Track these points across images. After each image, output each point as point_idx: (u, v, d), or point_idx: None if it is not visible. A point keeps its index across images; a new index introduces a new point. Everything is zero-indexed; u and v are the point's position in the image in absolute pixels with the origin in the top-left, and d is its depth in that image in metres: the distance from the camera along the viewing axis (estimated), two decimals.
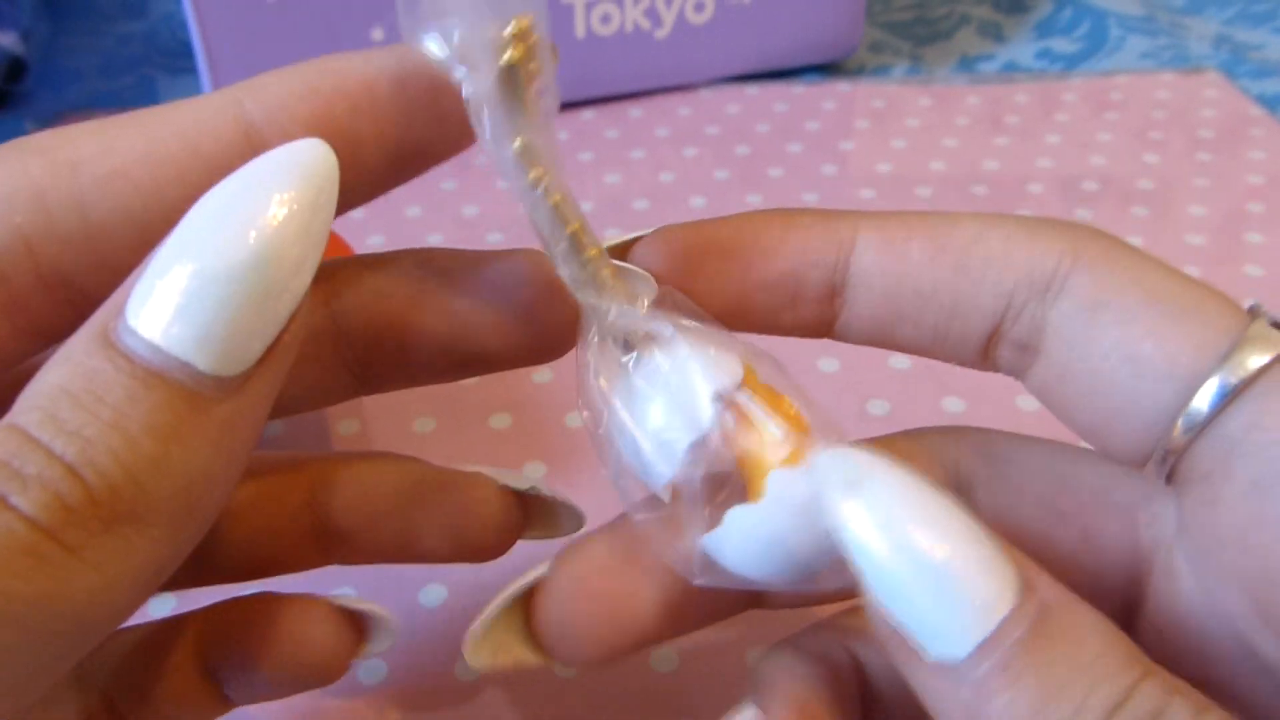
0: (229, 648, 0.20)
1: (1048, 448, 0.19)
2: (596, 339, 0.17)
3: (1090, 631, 0.14)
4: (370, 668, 0.27)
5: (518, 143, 0.17)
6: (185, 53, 0.55)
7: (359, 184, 0.18)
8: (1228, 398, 0.15)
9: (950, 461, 0.19)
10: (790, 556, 0.16)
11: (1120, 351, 0.16)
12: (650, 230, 0.18)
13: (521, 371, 0.34)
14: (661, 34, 0.50)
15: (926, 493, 0.14)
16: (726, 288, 0.18)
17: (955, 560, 0.14)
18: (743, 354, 0.17)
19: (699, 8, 0.50)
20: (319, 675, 0.20)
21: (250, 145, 0.17)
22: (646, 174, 0.47)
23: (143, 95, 0.54)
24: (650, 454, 0.16)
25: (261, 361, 0.14)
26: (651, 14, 0.50)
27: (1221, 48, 0.55)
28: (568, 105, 0.51)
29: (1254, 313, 0.16)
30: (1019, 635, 0.13)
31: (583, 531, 0.21)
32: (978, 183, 0.45)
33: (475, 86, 0.16)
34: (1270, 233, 0.42)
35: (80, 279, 0.16)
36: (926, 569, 0.14)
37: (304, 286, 0.15)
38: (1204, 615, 0.16)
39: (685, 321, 0.17)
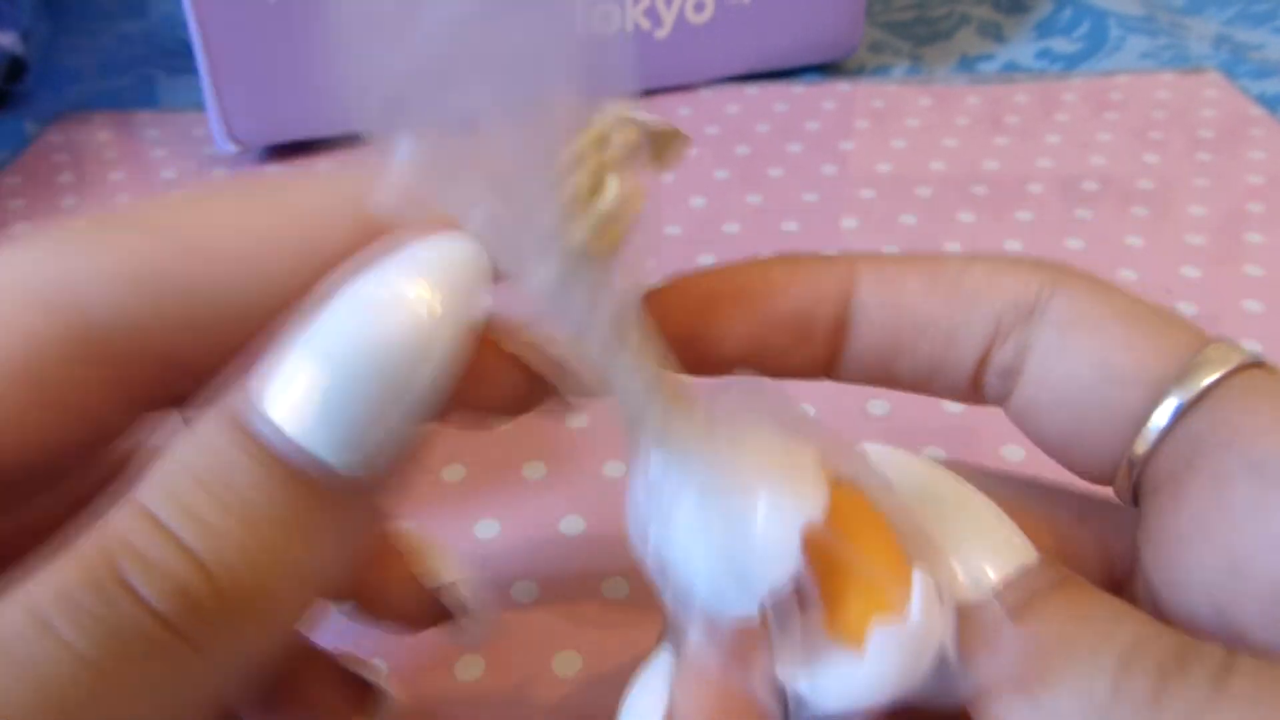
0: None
1: (1018, 485, 0.20)
2: (651, 456, 0.16)
3: (1109, 599, 0.15)
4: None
5: (604, 322, 0.15)
6: (185, 52, 0.55)
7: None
8: (1190, 404, 0.16)
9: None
10: (892, 702, 0.15)
11: (1092, 360, 0.17)
12: (660, 281, 0.19)
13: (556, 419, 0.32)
14: (661, 34, 0.50)
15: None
16: (741, 329, 0.18)
17: None
18: (822, 455, 0.16)
19: (699, 8, 0.50)
20: None
21: (368, 237, 0.16)
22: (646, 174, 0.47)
23: (142, 95, 0.54)
24: (722, 588, 0.15)
25: (392, 465, 0.14)
26: (651, 14, 0.50)
27: (1221, 48, 0.55)
28: None
29: (1218, 337, 0.17)
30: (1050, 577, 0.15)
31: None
32: (978, 183, 0.45)
33: (537, 280, 0.15)
34: (1270, 233, 0.42)
35: (184, 354, 0.16)
36: None
37: (445, 387, 0.14)
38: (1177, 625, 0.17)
39: (752, 427, 0.16)
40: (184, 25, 0.45)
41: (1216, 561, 0.15)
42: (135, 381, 0.16)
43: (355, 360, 0.13)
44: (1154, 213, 0.43)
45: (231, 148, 0.47)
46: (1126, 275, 0.40)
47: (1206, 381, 0.16)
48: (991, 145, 0.48)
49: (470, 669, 0.26)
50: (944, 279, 0.18)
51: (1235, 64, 0.54)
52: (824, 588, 0.15)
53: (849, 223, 0.43)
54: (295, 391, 0.13)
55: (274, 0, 0.44)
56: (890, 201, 0.44)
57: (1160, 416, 0.16)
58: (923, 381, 0.19)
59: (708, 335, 0.18)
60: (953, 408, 0.33)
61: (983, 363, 0.18)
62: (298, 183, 0.17)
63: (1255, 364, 0.16)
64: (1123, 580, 0.18)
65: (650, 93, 0.52)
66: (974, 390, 0.19)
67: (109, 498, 0.13)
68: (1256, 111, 0.50)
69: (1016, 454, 0.30)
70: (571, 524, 0.29)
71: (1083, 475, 0.18)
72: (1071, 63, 0.55)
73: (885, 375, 0.19)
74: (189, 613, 0.12)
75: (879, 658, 0.15)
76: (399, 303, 0.14)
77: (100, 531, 0.13)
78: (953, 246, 0.42)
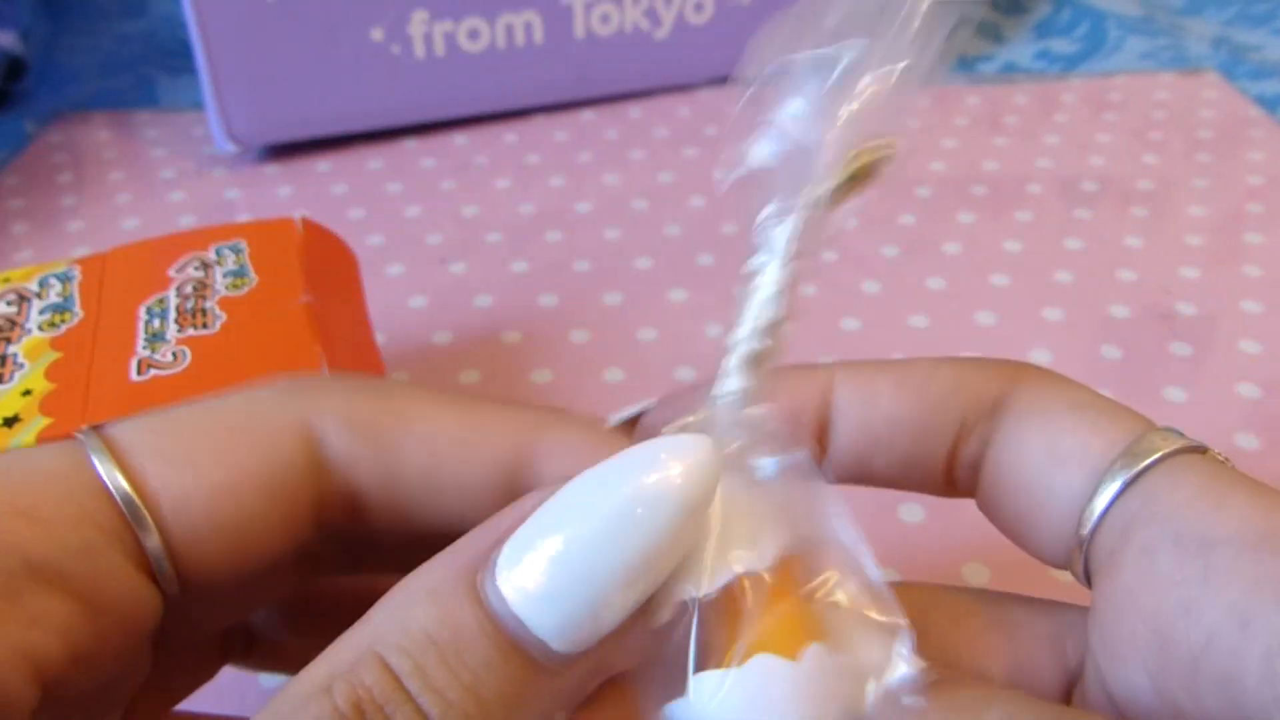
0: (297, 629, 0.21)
1: (974, 594, 0.20)
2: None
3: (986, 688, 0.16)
4: None
5: (802, 217, 0.18)
6: (185, 52, 0.55)
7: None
8: (1128, 484, 0.17)
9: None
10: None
11: (1042, 447, 0.18)
12: (652, 402, 0.19)
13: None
14: (661, 34, 0.50)
15: None
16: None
17: None
18: (801, 543, 0.16)
19: (698, 8, 0.50)
20: None
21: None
22: (646, 174, 0.47)
23: (142, 95, 0.54)
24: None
25: (598, 645, 0.15)
26: (651, 14, 0.50)
27: (1220, 48, 0.55)
28: (568, 105, 0.51)
29: (1164, 427, 0.18)
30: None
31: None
32: (977, 183, 0.45)
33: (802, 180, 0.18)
34: (1269, 233, 0.42)
35: (368, 522, 0.18)
36: None
37: (666, 573, 0.15)
38: (1124, 706, 0.17)
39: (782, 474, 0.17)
40: (184, 25, 0.45)
41: (1145, 632, 0.16)
42: (322, 528, 0.18)
43: (585, 548, 0.14)
44: (1153, 213, 0.43)
45: (231, 147, 0.47)
46: (1126, 275, 0.40)
47: (1145, 463, 0.17)
48: (991, 145, 0.48)
49: None
50: (912, 381, 0.19)
51: (1234, 65, 0.54)
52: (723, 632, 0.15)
53: (848, 223, 0.43)
54: (529, 565, 0.14)
55: (274, 0, 0.44)
56: (890, 202, 0.44)
57: (1102, 498, 0.17)
58: (899, 477, 0.20)
59: None
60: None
61: (952, 457, 0.19)
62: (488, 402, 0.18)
63: (1196, 449, 0.17)
64: (1076, 673, 0.19)
65: (650, 93, 0.52)
66: (948, 484, 0.20)
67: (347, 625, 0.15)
68: (1255, 112, 0.50)
69: None
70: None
71: (1042, 559, 0.19)
72: (1071, 63, 0.55)
73: (865, 473, 0.20)
74: None
75: (748, 684, 0.15)
76: (643, 491, 0.14)
77: (349, 682, 0.14)
78: (952, 247, 0.42)
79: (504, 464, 0.17)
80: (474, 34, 0.47)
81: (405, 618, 0.14)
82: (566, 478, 0.15)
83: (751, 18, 0.51)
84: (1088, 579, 0.18)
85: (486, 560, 0.15)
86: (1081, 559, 0.18)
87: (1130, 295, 0.39)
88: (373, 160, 0.48)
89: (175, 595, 0.17)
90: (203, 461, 0.16)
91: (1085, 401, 0.19)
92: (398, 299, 0.40)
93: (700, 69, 0.52)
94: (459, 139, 0.49)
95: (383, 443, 0.17)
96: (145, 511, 0.16)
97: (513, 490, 0.17)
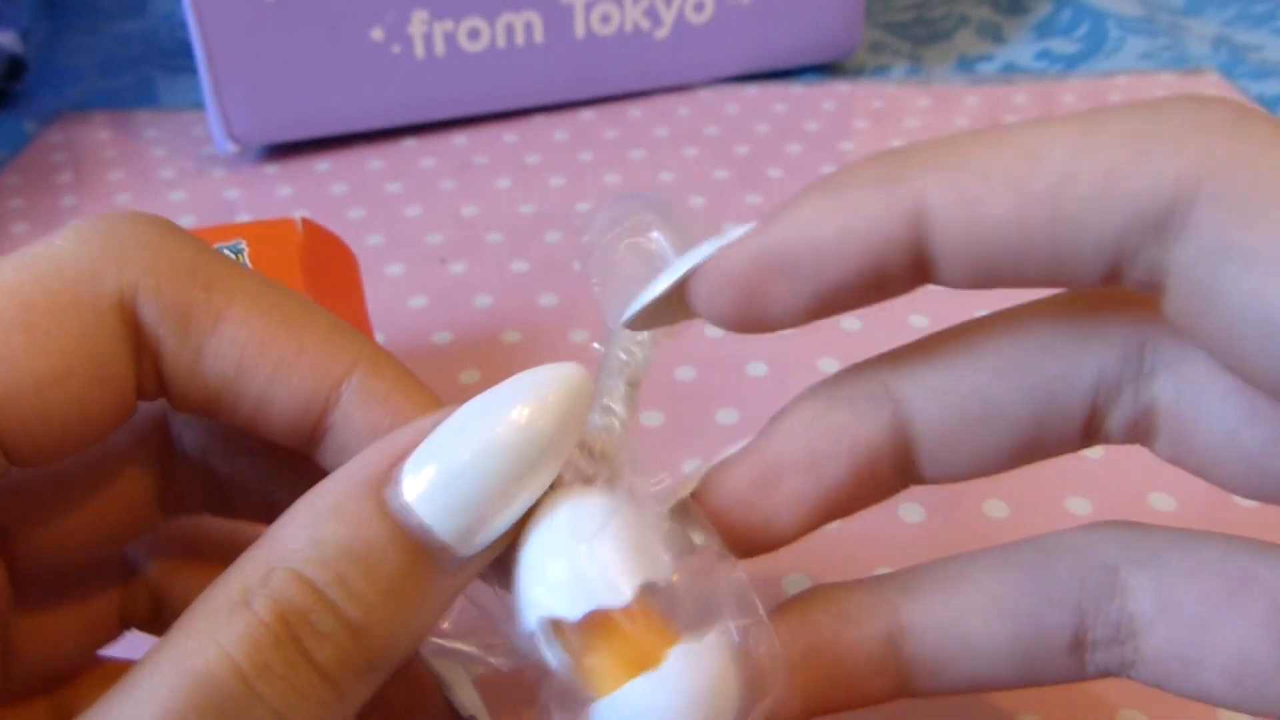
0: None
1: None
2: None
3: None
4: None
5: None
6: (185, 52, 0.55)
7: None
8: None
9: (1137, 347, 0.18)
10: None
11: (1253, 311, 0.13)
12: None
13: None
14: (661, 34, 0.50)
15: None
16: (801, 305, 0.17)
17: None
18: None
19: (699, 8, 0.50)
20: None
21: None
22: (646, 174, 0.47)
23: (142, 95, 0.54)
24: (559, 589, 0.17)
25: (491, 547, 0.16)
26: (651, 14, 0.50)
27: (1221, 49, 0.55)
28: (568, 105, 0.51)
29: None
30: None
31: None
32: None
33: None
34: None
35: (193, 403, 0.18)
36: None
37: (552, 476, 0.17)
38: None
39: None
40: (184, 25, 0.45)
41: None
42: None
43: (482, 460, 0.16)
44: None
45: (231, 147, 0.47)
46: None
47: None
48: None
49: None
50: (1038, 195, 0.15)
51: (1234, 65, 0.54)
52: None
53: None
54: (429, 480, 0.16)
55: (274, 0, 0.44)
56: None
57: None
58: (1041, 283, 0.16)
59: (770, 318, 0.17)
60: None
61: (1111, 280, 0.15)
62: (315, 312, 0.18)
63: None
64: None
65: (650, 93, 0.52)
66: (1112, 278, 0.15)
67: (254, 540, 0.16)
68: None
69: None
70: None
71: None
72: (1071, 63, 0.55)
73: (995, 286, 0.16)
74: (346, 674, 0.15)
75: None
76: (515, 416, 0.16)
77: (269, 596, 0.15)
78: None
79: (308, 395, 0.17)
80: (474, 34, 0.47)
81: (315, 533, 0.15)
82: (366, 421, 0.17)
83: (751, 18, 0.51)
84: None
85: (390, 475, 0.16)
86: None
87: None
88: (373, 160, 0.48)
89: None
90: (18, 357, 0.15)
91: None
92: (398, 299, 0.40)
93: (700, 69, 0.52)
94: (459, 139, 0.49)
95: (189, 334, 0.17)
96: None
97: (307, 415, 0.17)
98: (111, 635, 0.21)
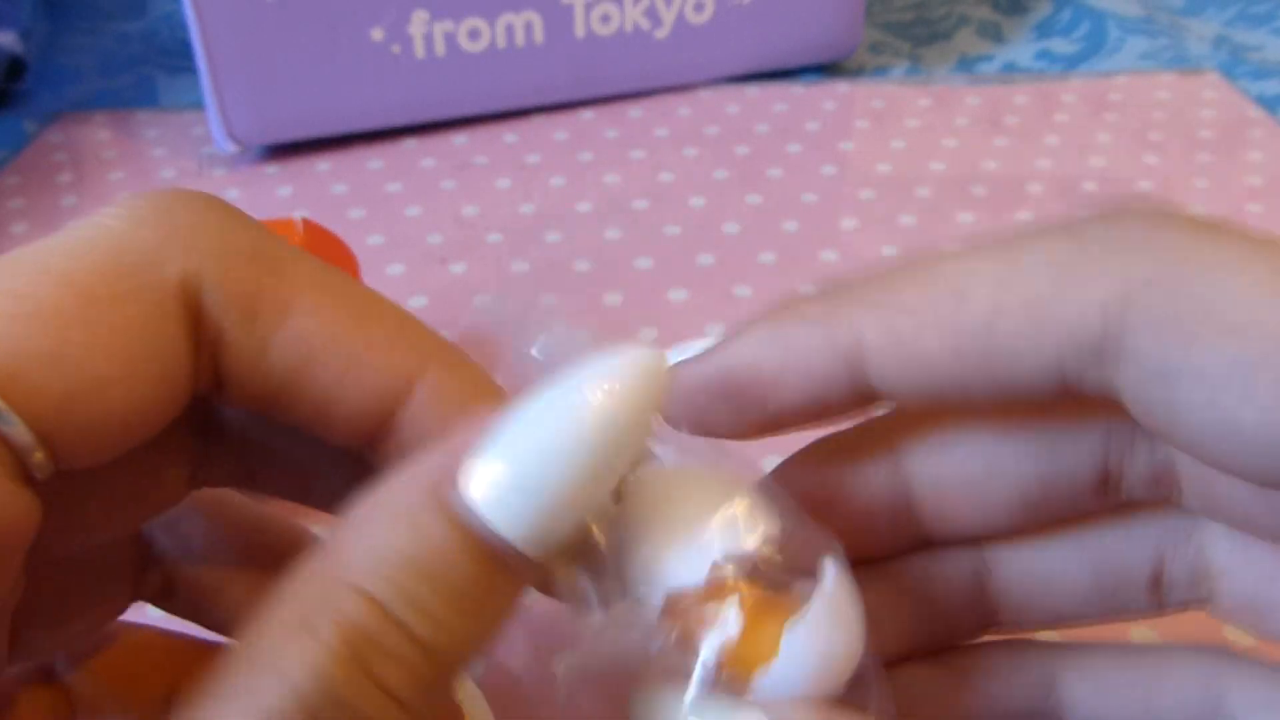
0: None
1: None
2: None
3: None
4: None
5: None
6: (185, 52, 0.55)
7: None
8: None
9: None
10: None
11: (1214, 426, 0.14)
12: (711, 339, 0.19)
13: None
14: (661, 34, 0.50)
15: None
16: (749, 427, 0.17)
17: None
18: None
19: (699, 8, 0.50)
20: None
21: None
22: (646, 174, 0.47)
23: (142, 95, 0.54)
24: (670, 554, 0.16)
25: (562, 543, 0.15)
26: (651, 14, 0.50)
27: (1221, 48, 0.55)
28: (568, 105, 0.51)
29: None
30: None
31: None
32: (977, 183, 0.45)
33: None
34: (1269, 233, 0.42)
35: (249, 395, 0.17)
36: None
37: (622, 472, 0.15)
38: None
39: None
40: (184, 25, 0.45)
41: None
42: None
43: (552, 456, 0.14)
44: None
45: (231, 147, 0.47)
46: None
47: None
48: (991, 146, 0.48)
49: None
50: (969, 330, 0.15)
51: (1234, 65, 0.54)
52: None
53: (849, 223, 0.43)
54: (495, 482, 0.14)
55: (274, 0, 0.44)
56: (890, 202, 0.44)
57: None
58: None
59: (716, 433, 0.18)
60: None
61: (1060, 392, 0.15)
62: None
63: None
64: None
65: (650, 93, 0.52)
66: (1067, 394, 0.15)
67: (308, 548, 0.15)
68: (1255, 113, 0.50)
69: None
70: None
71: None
72: (1071, 63, 0.55)
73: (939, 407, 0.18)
74: (417, 690, 0.14)
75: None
76: (588, 404, 0.15)
77: (332, 619, 0.14)
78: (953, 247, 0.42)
79: (378, 392, 0.16)
80: (474, 34, 0.47)
81: (378, 544, 0.14)
82: (438, 423, 0.16)
83: (751, 18, 0.51)
84: None
85: (451, 476, 0.14)
86: None
87: None
88: (373, 160, 0.48)
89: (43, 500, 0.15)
90: (78, 357, 0.14)
91: (1240, 338, 0.13)
92: (398, 299, 0.39)
93: (700, 69, 0.52)
94: (459, 139, 0.49)
95: (255, 325, 0.16)
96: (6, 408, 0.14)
97: (375, 413, 0.16)
98: (122, 607, 0.20)
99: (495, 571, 0.14)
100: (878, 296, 0.16)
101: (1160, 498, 0.17)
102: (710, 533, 0.16)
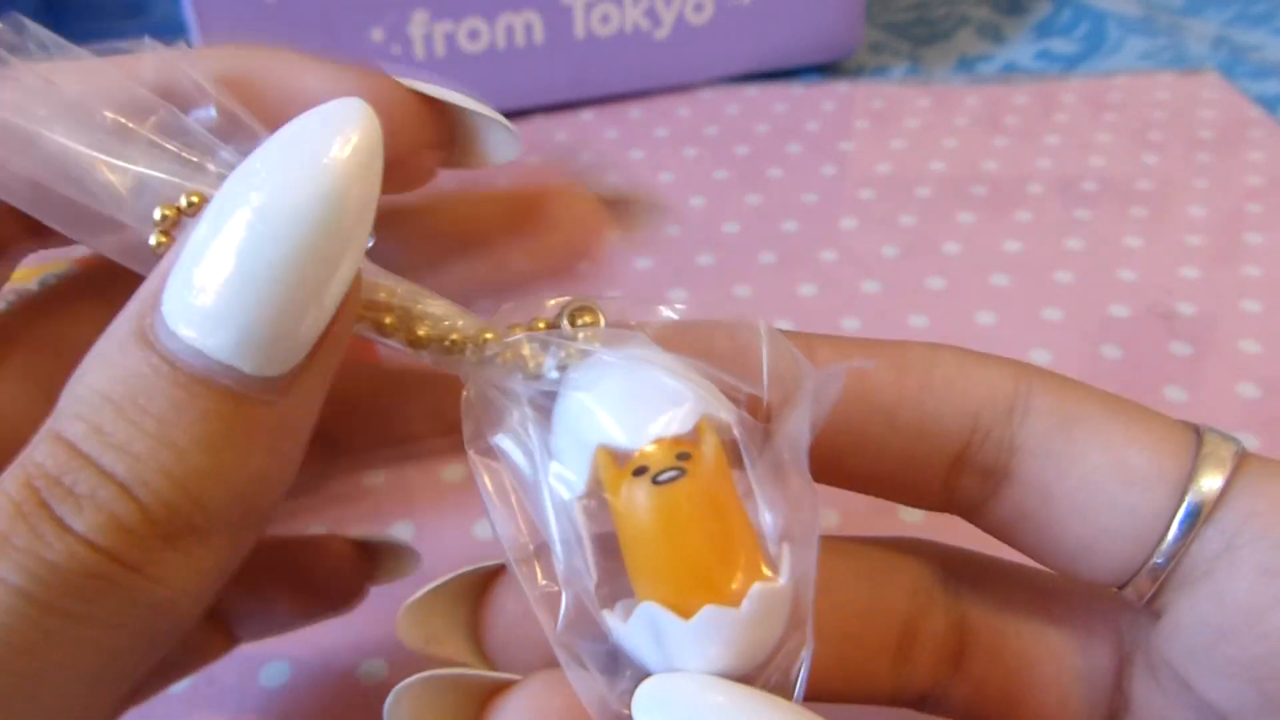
0: (242, 588, 0.20)
1: (1025, 568, 0.19)
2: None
3: None
4: (370, 668, 0.27)
5: None
6: None
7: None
8: (1213, 501, 0.16)
9: (938, 559, 0.19)
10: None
11: (1108, 463, 0.16)
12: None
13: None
14: (661, 34, 0.50)
15: None
16: None
17: None
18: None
19: (698, 8, 0.50)
20: (332, 604, 0.22)
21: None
22: (646, 174, 0.47)
23: None
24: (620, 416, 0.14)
25: (310, 357, 0.13)
26: (651, 14, 0.50)
27: (1220, 48, 0.55)
28: (568, 105, 0.51)
29: (1197, 427, 0.17)
30: None
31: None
32: (977, 183, 0.45)
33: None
34: (1269, 233, 0.42)
35: None
36: None
37: (350, 280, 0.14)
38: (1187, 712, 0.17)
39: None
40: (184, 25, 0.45)
41: (1265, 658, 0.15)
42: None
43: (252, 255, 0.12)
44: (1153, 213, 0.43)
45: None
46: (1126, 275, 0.40)
47: (1221, 478, 0.16)
48: (991, 146, 0.48)
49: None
50: (913, 368, 0.17)
51: (1234, 65, 0.54)
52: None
53: (848, 223, 0.43)
54: (194, 299, 0.13)
55: (274, 0, 0.44)
56: (889, 202, 0.44)
57: (1180, 516, 0.16)
58: (885, 481, 0.17)
59: None
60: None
61: (958, 462, 0.17)
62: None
63: (1244, 452, 0.16)
64: (1129, 656, 0.18)
65: (650, 93, 0.52)
66: (942, 494, 0.17)
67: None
68: (1255, 112, 0.50)
69: None
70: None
71: (1089, 578, 0.17)
72: (1071, 63, 0.55)
73: (838, 472, 0.17)
74: (129, 543, 0.12)
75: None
76: (290, 186, 0.13)
77: (22, 465, 0.13)
78: (952, 247, 0.42)
79: None
80: (474, 34, 0.47)
81: (78, 387, 0.13)
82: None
83: (751, 18, 0.51)
84: (1149, 599, 0.17)
85: (154, 303, 0.13)
86: (1157, 581, 0.16)
87: (1130, 295, 0.39)
88: None
89: None
90: None
91: (1118, 404, 0.17)
92: None
93: (700, 69, 0.52)
94: None
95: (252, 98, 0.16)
96: None
97: None
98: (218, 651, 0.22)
99: (218, 399, 0.13)
100: (829, 336, 0.18)
101: (968, 503, 0.17)
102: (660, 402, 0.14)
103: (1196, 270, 0.40)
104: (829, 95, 0.52)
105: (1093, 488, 0.16)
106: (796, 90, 0.53)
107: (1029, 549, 0.17)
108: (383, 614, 0.21)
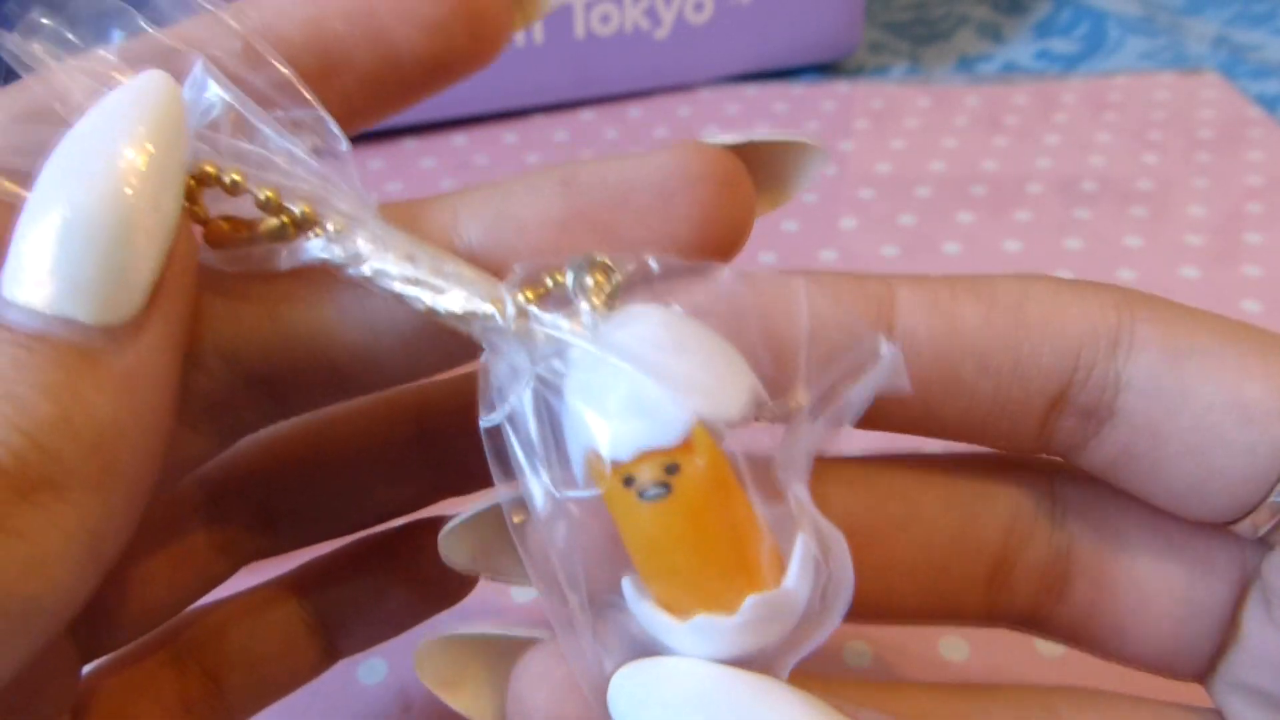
0: (344, 592, 0.21)
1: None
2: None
3: None
4: (370, 668, 0.27)
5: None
6: None
7: (368, 93, 0.18)
8: None
9: (1045, 484, 0.18)
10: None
11: (1223, 400, 0.15)
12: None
13: None
14: (661, 34, 0.50)
15: None
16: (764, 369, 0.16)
17: None
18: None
19: (698, 8, 0.50)
20: (446, 592, 0.21)
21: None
22: None
23: None
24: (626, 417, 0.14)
25: (152, 304, 0.14)
26: (651, 14, 0.50)
27: (1220, 48, 0.55)
28: (568, 105, 0.51)
29: None
30: None
31: None
32: (977, 183, 0.45)
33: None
34: (1269, 233, 0.42)
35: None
36: None
37: (171, 221, 0.14)
38: None
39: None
40: None
41: None
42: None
43: (67, 212, 0.13)
44: (1153, 213, 0.43)
45: None
46: (1125, 275, 0.40)
47: None
48: (990, 146, 0.48)
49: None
50: (1004, 305, 0.16)
51: (1234, 65, 0.54)
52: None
53: (848, 223, 0.43)
54: (24, 266, 0.13)
55: None
56: (889, 202, 0.44)
57: None
58: (975, 428, 0.16)
59: None
60: None
61: (1057, 404, 0.16)
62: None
63: None
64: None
65: (650, 93, 0.52)
66: (1039, 437, 0.16)
67: None
68: (1255, 112, 0.50)
69: None
70: None
71: (1191, 516, 0.16)
72: (1070, 63, 0.55)
73: (934, 421, 0.16)
74: None
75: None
76: (101, 148, 0.14)
77: None
78: (952, 247, 0.42)
79: None
80: None
81: None
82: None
83: (751, 18, 0.51)
84: (1265, 532, 0.16)
85: None
86: (1274, 514, 0.15)
87: None
88: (373, 160, 0.48)
89: None
90: None
91: (1232, 331, 0.15)
92: None
93: (700, 69, 0.52)
94: (459, 139, 0.49)
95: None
96: None
97: None
98: (220, 576, 0.20)
99: (61, 351, 0.13)
100: (911, 276, 0.16)
101: (1069, 444, 0.16)
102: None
103: (1196, 270, 0.40)
104: (829, 95, 0.52)
105: (1207, 427, 0.15)
106: (796, 90, 0.53)
107: (1133, 488, 0.16)
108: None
